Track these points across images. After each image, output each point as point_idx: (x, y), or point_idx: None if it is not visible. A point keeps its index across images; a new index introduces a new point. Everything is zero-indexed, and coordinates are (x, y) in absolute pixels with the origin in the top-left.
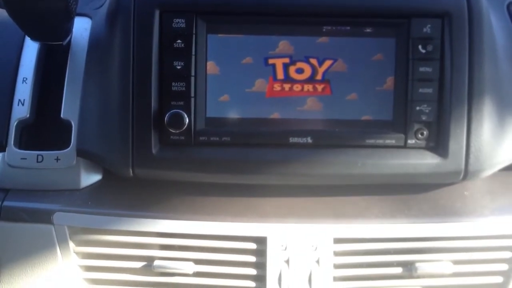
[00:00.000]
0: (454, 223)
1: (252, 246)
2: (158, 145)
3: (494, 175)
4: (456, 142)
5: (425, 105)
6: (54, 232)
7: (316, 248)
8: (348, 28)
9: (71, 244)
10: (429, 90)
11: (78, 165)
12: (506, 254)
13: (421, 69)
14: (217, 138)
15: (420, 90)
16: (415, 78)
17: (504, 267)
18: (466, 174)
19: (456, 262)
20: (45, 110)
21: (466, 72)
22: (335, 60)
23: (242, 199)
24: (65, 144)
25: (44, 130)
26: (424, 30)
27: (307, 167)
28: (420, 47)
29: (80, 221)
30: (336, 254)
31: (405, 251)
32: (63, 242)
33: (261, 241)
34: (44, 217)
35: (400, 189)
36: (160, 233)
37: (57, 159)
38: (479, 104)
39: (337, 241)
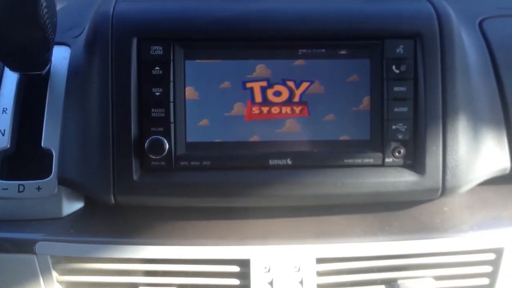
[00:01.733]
0: (434, 239)
1: (236, 269)
2: (139, 171)
3: (472, 190)
4: (433, 159)
5: (401, 124)
6: (36, 262)
7: (299, 268)
8: (323, 50)
9: (54, 274)
10: (404, 109)
11: (60, 193)
12: (486, 269)
13: (396, 88)
14: (198, 163)
15: (396, 109)
16: (390, 97)
17: (485, 281)
18: (444, 190)
19: (438, 278)
20: (26, 139)
21: (440, 91)
22: (311, 82)
23: (224, 222)
24: (46, 173)
25: (25, 159)
26: (397, 50)
27: (287, 189)
28: (394, 67)
29: (62, 250)
30: (319, 274)
31: (388, 268)
32: (46, 271)
33: (244, 264)
34: (27, 247)
35: (381, 206)
36: (143, 259)
37: (39, 188)
38: (454, 121)
39: (320, 261)
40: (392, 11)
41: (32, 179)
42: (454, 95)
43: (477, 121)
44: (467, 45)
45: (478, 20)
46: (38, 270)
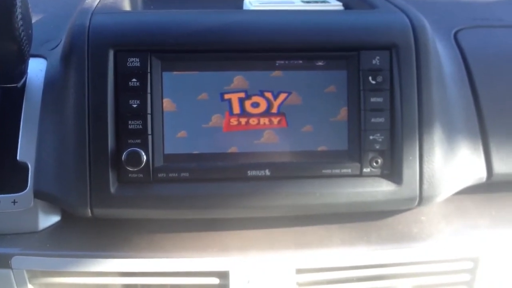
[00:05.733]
0: (412, 249)
1: (215, 281)
2: (116, 183)
3: (449, 199)
4: (410, 169)
5: (378, 134)
6: (12, 277)
7: (279, 279)
8: (301, 62)
9: None
10: (381, 120)
11: (36, 207)
12: (465, 277)
13: (372, 99)
14: (176, 175)
15: (373, 120)
16: (367, 108)
17: None
18: (421, 200)
19: (417, 287)
20: (1, 152)
21: (416, 101)
22: (289, 93)
23: (203, 233)
24: (22, 186)
25: (0, 173)
26: (373, 62)
27: (266, 200)
28: (370, 78)
29: (39, 265)
30: (300, 284)
31: (367, 278)
32: (22, 286)
33: (223, 276)
34: (2, 262)
35: (359, 216)
36: (121, 273)
37: (14, 202)
38: (430, 131)
39: (300, 271)
40: (368, 22)
41: (8, 193)
42: (429, 105)
43: (453, 131)
44: (442, 56)
45: (453, 31)
46: (14, 284)
